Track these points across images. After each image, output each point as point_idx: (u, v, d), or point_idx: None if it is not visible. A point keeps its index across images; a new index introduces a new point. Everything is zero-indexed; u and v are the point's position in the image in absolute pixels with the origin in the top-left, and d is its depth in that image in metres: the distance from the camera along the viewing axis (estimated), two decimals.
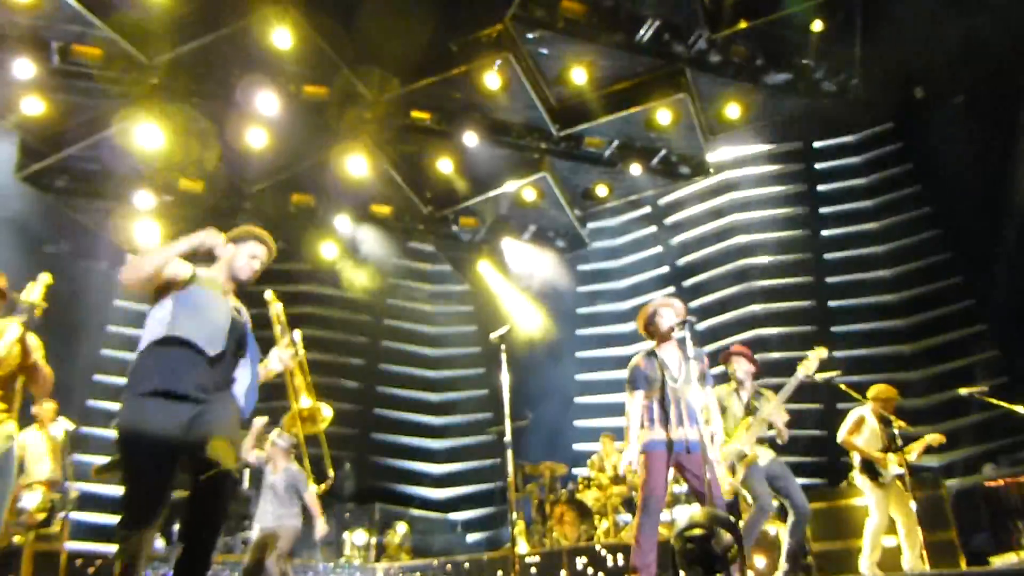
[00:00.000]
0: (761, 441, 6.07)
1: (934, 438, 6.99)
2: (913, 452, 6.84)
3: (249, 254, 3.82)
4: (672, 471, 5.07)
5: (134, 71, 9.24)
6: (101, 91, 9.45)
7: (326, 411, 4.18)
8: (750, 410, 6.13)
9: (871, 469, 6.83)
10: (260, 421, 7.60)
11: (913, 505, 6.58)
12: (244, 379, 3.62)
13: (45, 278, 4.32)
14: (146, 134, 9.59)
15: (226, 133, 10.30)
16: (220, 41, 9.28)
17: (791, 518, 5.94)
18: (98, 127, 9.68)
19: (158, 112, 9.45)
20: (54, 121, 9.67)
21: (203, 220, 11.60)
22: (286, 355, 3.93)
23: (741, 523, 6.19)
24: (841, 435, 7.09)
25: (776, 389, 6.30)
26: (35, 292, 4.25)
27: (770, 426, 6.09)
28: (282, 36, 8.99)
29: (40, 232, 10.65)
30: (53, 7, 8.47)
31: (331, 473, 4.22)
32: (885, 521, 6.68)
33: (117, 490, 3.46)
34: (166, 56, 9.10)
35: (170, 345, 3.36)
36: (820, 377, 6.41)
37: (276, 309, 4.10)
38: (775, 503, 5.95)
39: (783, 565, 5.99)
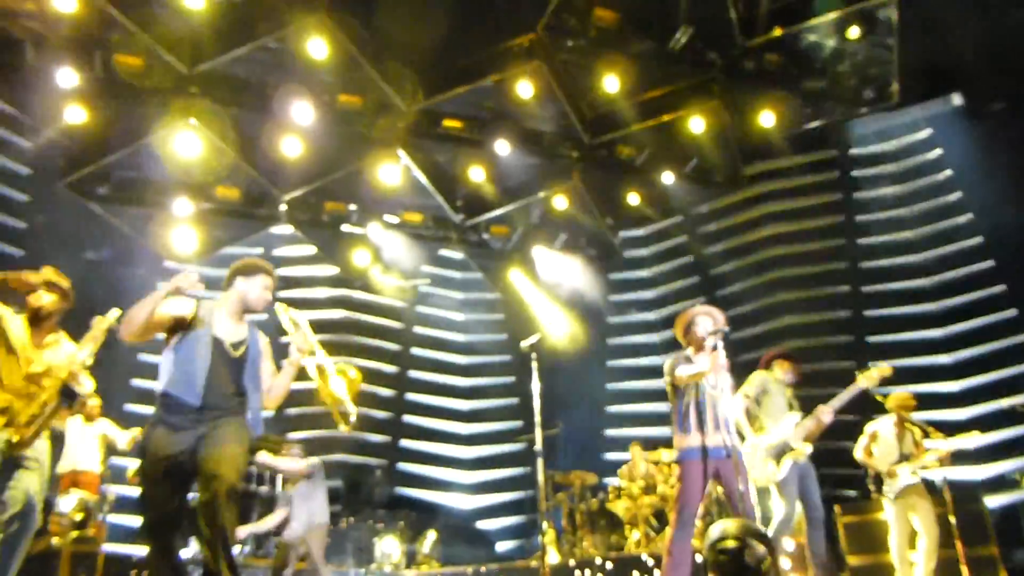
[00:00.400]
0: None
1: (965, 439, 6.78)
2: (930, 456, 6.64)
3: (263, 286, 4.17)
4: (709, 481, 5.02)
5: (174, 80, 9.41)
6: (142, 100, 9.64)
7: (351, 372, 4.45)
8: (791, 406, 6.05)
9: (879, 481, 6.73)
10: None
11: (952, 520, 6.44)
12: (255, 401, 4.06)
13: (114, 313, 4.53)
14: (185, 142, 9.75)
15: (262, 141, 10.45)
16: (257, 51, 9.42)
17: (807, 526, 5.82)
18: (139, 135, 9.85)
19: (197, 120, 9.60)
20: (96, 129, 9.84)
21: (239, 227, 11.90)
22: (298, 339, 4.21)
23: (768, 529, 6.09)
24: (857, 453, 6.99)
25: (811, 400, 6.20)
26: (86, 379, 4.46)
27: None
28: (317, 46, 9.09)
29: (82, 238, 10.87)
30: (96, 17, 8.65)
31: (353, 409, 4.32)
32: (904, 533, 6.52)
33: None
34: (205, 66, 9.25)
35: (167, 397, 3.90)
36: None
37: (284, 317, 4.33)
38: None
39: None
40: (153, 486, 3.77)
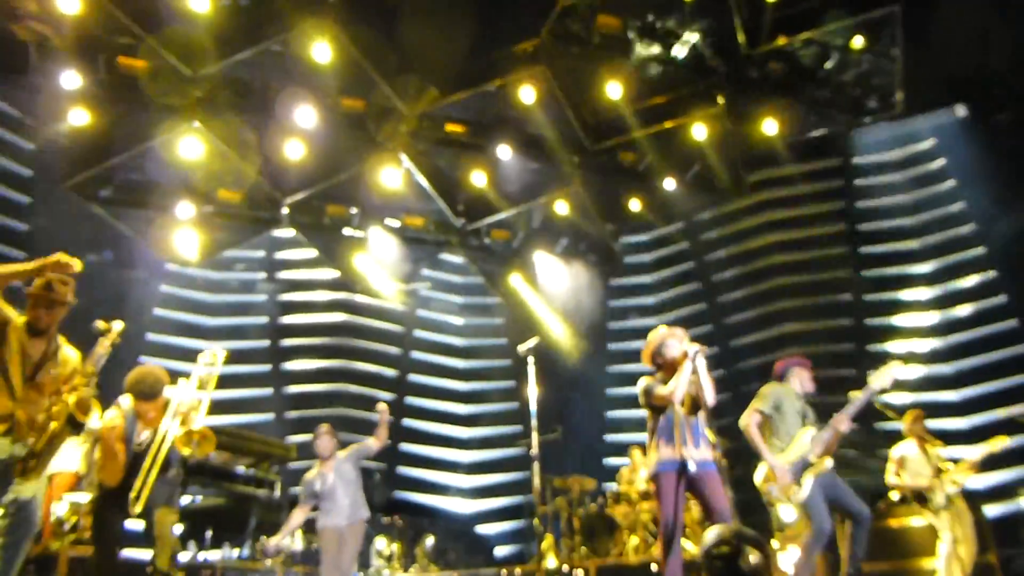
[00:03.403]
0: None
1: (996, 444, 6.83)
2: (964, 471, 6.71)
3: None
4: (684, 492, 5.03)
5: (178, 84, 9.43)
6: (145, 103, 9.66)
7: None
8: (805, 419, 5.93)
9: (921, 498, 6.74)
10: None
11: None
12: None
13: (118, 326, 4.69)
14: (188, 146, 9.78)
15: (265, 145, 10.48)
16: (261, 55, 9.45)
17: (851, 527, 5.63)
18: (142, 138, 9.88)
19: (200, 123, 9.62)
20: (99, 132, 9.87)
21: (241, 230, 11.92)
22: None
23: (774, 541, 6.05)
24: (890, 479, 7.01)
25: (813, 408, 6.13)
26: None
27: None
28: (321, 50, 9.12)
29: (83, 241, 10.87)
30: (100, 20, 8.68)
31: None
32: (952, 542, 6.55)
33: None
34: (209, 69, 9.27)
35: None
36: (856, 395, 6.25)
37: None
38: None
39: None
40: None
